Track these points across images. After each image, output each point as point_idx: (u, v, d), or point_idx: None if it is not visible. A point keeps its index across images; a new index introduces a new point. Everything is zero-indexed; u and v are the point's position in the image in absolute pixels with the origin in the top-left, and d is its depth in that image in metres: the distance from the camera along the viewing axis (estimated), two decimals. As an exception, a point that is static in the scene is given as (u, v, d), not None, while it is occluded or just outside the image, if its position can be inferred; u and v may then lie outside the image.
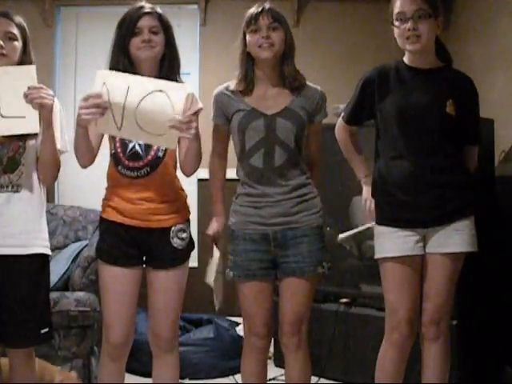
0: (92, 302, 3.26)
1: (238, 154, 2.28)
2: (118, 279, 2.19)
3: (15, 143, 2.12)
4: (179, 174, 2.28)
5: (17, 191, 2.13)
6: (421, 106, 2.21)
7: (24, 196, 2.14)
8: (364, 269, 3.19)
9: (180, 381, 2.71)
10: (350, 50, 4.32)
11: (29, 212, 2.15)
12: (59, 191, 4.35)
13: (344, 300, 3.25)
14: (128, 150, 2.18)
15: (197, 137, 2.08)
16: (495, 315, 2.97)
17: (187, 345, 3.32)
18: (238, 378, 2.94)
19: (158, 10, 2.22)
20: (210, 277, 2.34)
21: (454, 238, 2.21)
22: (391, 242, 2.24)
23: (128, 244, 2.20)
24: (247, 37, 2.21)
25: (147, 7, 2.19)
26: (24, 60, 2.18)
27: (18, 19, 2.18)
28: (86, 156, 2.19)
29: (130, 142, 2.18)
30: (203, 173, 4.16)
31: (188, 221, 2.28)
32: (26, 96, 2.03)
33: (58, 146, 2.17)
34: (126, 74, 2.08)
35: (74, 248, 3.62)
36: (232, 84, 2.27)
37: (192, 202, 4.19)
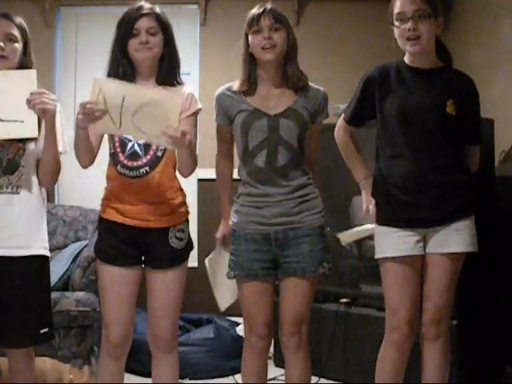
0: (92, 302, 3.26)
1: (241, 154, 2.28)
2: (116, 279, 2.20)
3: (15, 145, 2.12)
4: (178, 173, 2.28)
5: (16, 192, 2.13)
6: (421, 106, 2.20)
7: (23, 197, 2.14)
8: (364, 269, 3.19)
9: (180, 381, 2.71)
10: (349, 50, 4.32)
11: (28, 213, 2.15)
12: (59, 191, 4.35)
13: (344, 300, 3.24)
14: (127, 149, 2.19)
15: (189, 145, 2.08)
16: (495, 315, 2.97)
17: (187, 345, 3.32)
18: (238, 377, 2.94)
19: (157, 10, 2.21)
20: (216, 278, 2.33)
21: (455, 238, 2.21)
22: (391, 242, 2.24)
23: (127, 244, 2.20)
24: (249, 38, 2.21)
25: (146, 8, 2.19)
26: (24, 61, 2.18)
27: (19, 20, 2.18)
28: (87, 156, 2.19)
29: (130, 141, 2.18)
30: (203, 173, 4.20)
31: (187, 221, 2.28)
32: (28, 102, 2.04)
33: (60, 148, 2.18)
34: (122, 83, 2.08)
35: (74, 248, 3.62)
36: (235, 85, 2.27)
37: (192, 201, 4.22)
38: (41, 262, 2.18)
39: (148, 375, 2.40)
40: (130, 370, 3.09)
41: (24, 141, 2.12)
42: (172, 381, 2.30)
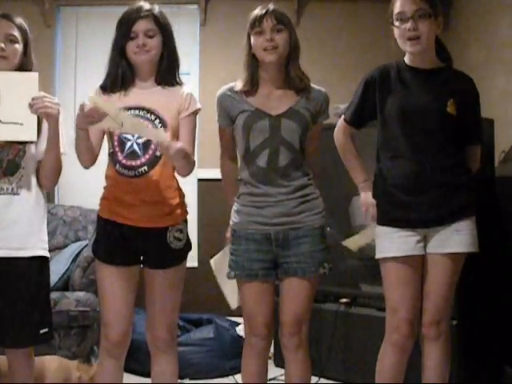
0: (92, 302, 3.26)
1: (242, 155, 2.27)
2: (114, 278, 2.19)
3: (15, 146, 2.13)
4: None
5: (17, 194, 2.13)
6: (422, 106, 2.21)
7: (24, 198, 2.14)
8: (364, 269, 3.19)
9: (180, 381, 2.72)
10: (349, 50, 4.32)
11: (28, 214, 2.16)
12: (59, 191, 4.35)
13: (344, 300, 3.24)
14: (126, 149, 2.18)
15: (186, 155, 2.08)
16: (495, 315, 2.97)
17: (187, 345, 3.32)
18: (238, 378, 2.94)
19: (156, 11, 2.20)
20: (225, 277, 2.32)
21: (455, 239, 2.21)
22: (392, 242, 2.24)
23: (125, 243, 2.20)
24: (252, 39, 2.21)
25: (144, 9, 2.18)
26: (24, 62, 2.18)
27: (19, 21, 2.18)
28: (87, 156, 2.19)
29: (128, 140, 2.17)
30: (203, 173, 4.22)
31: (185, 221, 2.28)
32: (31, 106, 2.05)
33: (61, 149, 2.19)
34: (116, 109, 2.05)
35: (74, 248, 3.62)
36: (237, 85, 2.27)
37: (192, 201, 4.24)
38: (41, 263, 2.18)
39: (147, 375, 2.40)
40: (130, 369, 3.09)
41: (24, 142, 2.13)
42: (171, 381, 2.30)
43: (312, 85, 2.29)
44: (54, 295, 3.14)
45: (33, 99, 2.06)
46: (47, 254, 2.22)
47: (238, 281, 2.27)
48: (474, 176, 2.32)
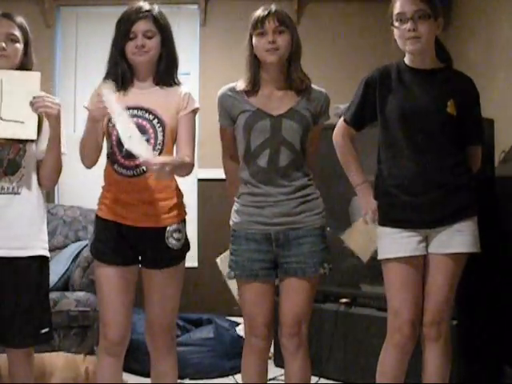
0: (92, 302, 3.26)
1: (243, 155, 2.27)
2: (113, 278, 2.20)
3: (15, 145, 2.13)
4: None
5: (17, 193, 2.14)
6: (422, 107, 2.20)
7: (24, 198, 2.15)
8: (364, 269, 3.19)
9: (180, 381, 2.72)
10: (350, 50, 4.33)
11: (29, 214, 2.16)
12: (59, 191, 4.35)
13: (344, 300, 3.24)
14: (124, 148, 2.18)
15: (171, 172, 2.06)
16: (495, 315, 2.97)
17: (187, 345, 3.32)
18: (238, 378, 2.94)
19: (155, 10, 2.20)
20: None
21: (457, 239, 2.21)
22: (394, 243, 2.24)
23: (123, 243, 2.20)
24: (253, 40, 2.21)
25: (144, 9, 2.18)
26: (25, 62, 2.18)
27: (20, 20, 2.18)
28: (96, 155, 2.21)
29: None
30: (203, 173, 4.22)
31: (184, 221, 2.27)
32: (32, 104, 2.06)
33: (63, 150, 2.20)
34: (122, 112, 2.08)
35: (74, 248, 3.63)
36: (239, 85, 2.27)
37: (192, 202, 4.24)
38: (41, 263, 2.19)
39: (147, 375, 2.40)
40: (130, 369, 3.09)
41: (24, 141, 2.13)
42: (171, 381, 2.30)
43: (313, 86, 2.29)
44: (54, 295, 3.14)
45: (34, 98, 2.07)
46: (47, 254, 2.22)
47: (238, 281, 2.27)
48: (475, 176, 2.32)
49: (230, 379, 3.29)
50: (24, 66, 2.18)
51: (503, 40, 3.31)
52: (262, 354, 2.29)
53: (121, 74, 2.20)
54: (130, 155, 2.16)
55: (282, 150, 2.20)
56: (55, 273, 3.34)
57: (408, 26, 2.16)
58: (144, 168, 2.16)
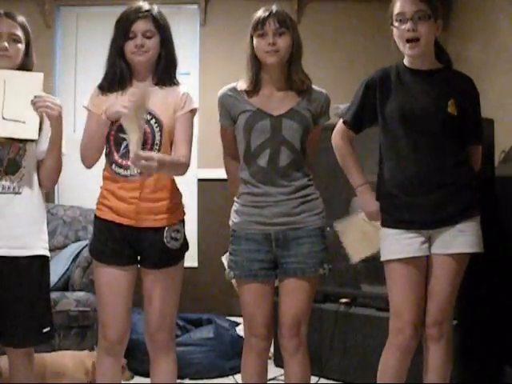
0: (92, 302, 3.26)
1: (243, 155, 2.27)
2: (112, 278, 2.20)
3: (16, 145, 2.13)
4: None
5: (18, 193, 2.14)
6: (423, 107, 2.20)
7: (25, 198, 2.15)
8: (364, 269, 3.19)
9: (180, 381, 2.72)
10: (350, 50, 4.33)
11: (30, 213, 2.16)
12: (59, 191, 4.35)
13: (344, 300, 3.24)
14: (121, 148, 2.18)
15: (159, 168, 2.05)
16: (495, 315, 2.97)
17: (187, 345, 3.32)
18: (238, 378, 2.94)
19: (155, 10, 2.20)
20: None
21: (460, 239, 2.20)
22: (397, 244, 2.23)
23: (121, 243, 2.20)
24: (254, 41, 2.21)
25: (143, 9, 2.18)
26: (26, 62, 2.19)
27: (21, 20, 2.18)
28: (98, 154, 2.22)
29: (124, 140, 2.17)
30: (203, 173, 4.22)
31: (182, 221, 2.27)
32: (33, 104, 2.07)
33: (63, 150, 2.20)
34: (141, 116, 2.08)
35: (74, 248, 3.63)
36: (239, 85, 2.26)
37: (192, 202, 4.24)
38: (42, 262, 2.19)
39: (147, 375, 2.40)
40: (130, 369, 3.09)
41: (24, 141, 2.13)
42: (170, 381, 2.30)
43: (313, 86, 2.29)
44: (54, 295, 3.14)
45: (35, 97, 2.08)
46: (48, 254, 2.22)
47: (238, 281, 2.27)
48: (477, 175, 2.31)
49: (229, 379, 3.29)
50: (25, 66, 2.18)
51: (502, 40, 3.31)
52: (262, 355, 2.29)
53: (119, 73, 2.21)
54: (127, 155, 2.15)
55: (282, 149, 2.20)
56: (55, 273, 3.34)
57: (408, 26, 2.16)
58: None
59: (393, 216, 2.26)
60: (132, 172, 2.17)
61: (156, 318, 2.24)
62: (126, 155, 2.17)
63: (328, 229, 2.34)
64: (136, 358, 2.98)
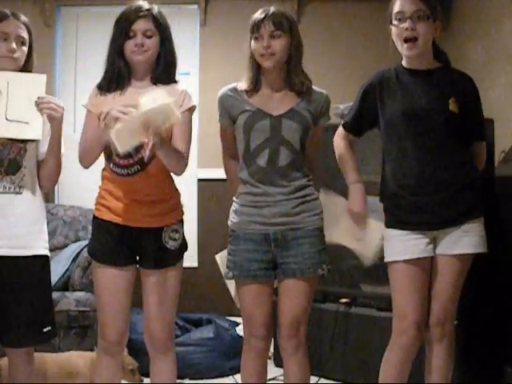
0: (92, 302, 3.26)
1: (242, 154, 2.26)
2: (110, 279, 2.20)
3: (16, 145, 2.13)
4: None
5: (19, 193, 2.14)
6: (424, 107, 2.20)
7: (26, 198, 2.15)
8: (364, 269, 3.19)
9: (180, 381, 2.72)
10: (350, 50, 4.33)
11: (30, 213, 2.17)
12: (59, 191, 4.36)
13: (344, 300, 3.24)
14: None
15: (163, 145, 2.05)
16: (496, 316, 2.97)
17: (187, 345, 3.32)
18: (238, 378, 2.94)
19: (155, 10, 2.20)
20: None
21: (464, 240, 2.21)
22: (402, 245, 2.23)
23: (120, 243, 2.20)
24: (251, 43, 2.20)
25: (143, 8, 2.18)
26: (27, 63, 2.19)
27: (25, 20, 2.18)
28: (96, 157, 2.21)
29: None
30: (203, 173, 4.22)
31: (181, 221, 2.27)
32: (37, 105, 2.09)
33: (62, 150, 2.20)
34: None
35: (74, 248, 3.63)
36: (240, 85, 2.26)
37: (192, 202, 4.24)
38: (42, 262, 2.19)
39: (147, 375, 2.40)
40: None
41: (25, 141, 2.14)
42: (170, 381, 2.30)
43: (313, 87, 2.28)
44: (54, 295, 3.11)
45: (39, 98, 2.10)
46: (48, 253, 2.23)
47: (237, 281, 2.27)
48: (480, 175, 2.31)
49: (229, 379, 3.29)
50: (26, 67, 2.18)
51: (503, 40, 3.31)
52: (262, 355, 2.29)
53: (117, 72, 2.20)
54: (124, 154, 2.15)
55: (281, 149, 2.20)
56: (55, 273, 3.34)
57: (406, 25, 2.16)
58: (138, 167, 2.16)
59: (397, 217, 2.26)
60: (129, 171, 2.17)
61: (155, 318, 2.24)
62: (123, 154, 2.16)
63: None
64: (136, 358, 2.97)
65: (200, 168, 4.20)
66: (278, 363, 3.18)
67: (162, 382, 2.28)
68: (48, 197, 3.89)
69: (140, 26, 2.16)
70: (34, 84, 2.13)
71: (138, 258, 2.24)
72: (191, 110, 2.25)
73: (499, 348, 2.99)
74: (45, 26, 4.31)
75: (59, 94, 4.27)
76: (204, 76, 4.34)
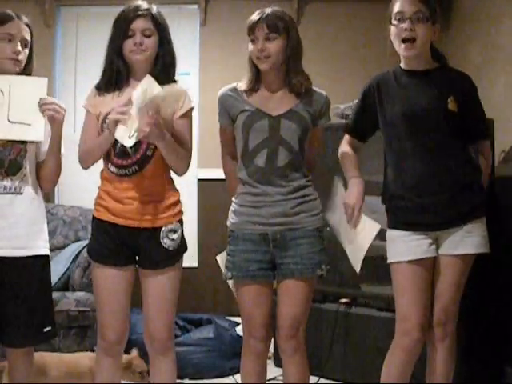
0: (92, 302, 3.26)
1: (241, 154, 2.26)
2: (109, 279, 2.20)
3: (17, 146, 2.14)
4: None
5: (19, 193, 2.15)
6: (423, 107, 2.20)
7: (26, 198, 2.16)
8: (364, 269, 3.19)
9: (180, 381, 2.72)
10: (349, 50, 4.33)
11: (31, 214, 2.17)
12: (59, 191, 4.36)
13: (344, 300, 3.24)
14: (117, 147, 2.18)
15: (163, 140, 2.07)
16: (496, 316, 2.97)
17: (187, 345, 3.32)
18: (238, 378, 2.94)
19: (154, 10, 2.20)
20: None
21: (466, 240, 2.21)
22: (405, 246, 2.23)
23: (119, 244, 2.20)
24: (249, 44, 2.20)
25: (142, 8, 2.18)
26: (28, 65, 2.19)
27: (27, 21, 2.19)
28: (97, 160, 2.21)
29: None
30: (203, 173, 4.22)
31: (180, 221, 2.26)
32: (40, 106, 2.11)
33: (62, 151, 2.21)
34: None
35: (74, 248, 3.63)
36: (240, 85, 2.26)
37: (192, 202, 4.24)
38: (42, 262, 2.20)
39: (147, 375, 2.40)
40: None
41: (26, 142, 2.15)
42: (170, 381, 2.29)
43: (313, 87, 2.28)
44: (54, 295, 3.12)
45: (41, 99, 2.11)
46: (49, 252, 2.23)
47: (236, 282, 2.26)
48: (481, 175, 2.31)
49: (229, 379, 3.29)
50: (26, 69, 2.19)
51: (503, 40, 3.31)
52: (261, 355, 2.28)
53: (116, 72, 2.20)
54: (123, 154, 2.15)
55: (280, 150, 2.20)
56: (55, 273, 3.34)
57: (405, 25, 2.16)
58: (136, 167, 2.16)
59: (400, 218, 2.26)
60: (127, 172, 2.17)
61: (155, 318, 2.23)
62: (121, 155, 2.16)
63: (328, 229, 2.33)
64: (136, 358, 2.98)
65: (200, 168, 4.20)
66: (278, 363, 3.17)
67: (162, 382, 2.28)
68: (48, 197, 3.89)
69: (139, 25, 2.16)
70: (35, 87, 2.14)
71: (137, 258, 2.24)
72: (191, 110, 2.25)
73: (500, 348, 2.99)
74: (45, 26, 4.31)
75: (59, 94, 4.27)
76: (204, 76, 4.34)
